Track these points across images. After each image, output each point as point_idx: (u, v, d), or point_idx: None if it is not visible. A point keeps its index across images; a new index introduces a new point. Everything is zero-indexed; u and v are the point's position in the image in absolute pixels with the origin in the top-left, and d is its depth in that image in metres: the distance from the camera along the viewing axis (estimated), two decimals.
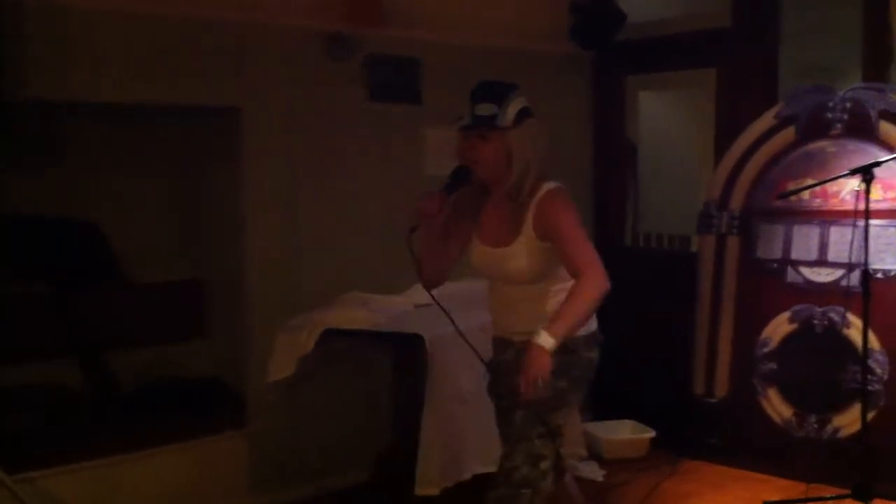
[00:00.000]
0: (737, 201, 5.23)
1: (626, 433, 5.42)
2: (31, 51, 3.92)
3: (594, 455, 5.18)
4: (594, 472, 5.02)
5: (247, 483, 4.59)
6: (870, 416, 4.34)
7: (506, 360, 3.32)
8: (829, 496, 4.35)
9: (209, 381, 4.81)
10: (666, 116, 6.30)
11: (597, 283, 3.08)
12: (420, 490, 4.04)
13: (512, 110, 3.11)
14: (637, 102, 6.07)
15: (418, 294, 4.72)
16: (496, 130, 3.11)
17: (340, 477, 4.75)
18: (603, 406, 5.72)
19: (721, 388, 5.19)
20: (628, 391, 5.61)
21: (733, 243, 5.22)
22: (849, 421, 4.68)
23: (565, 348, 3.11)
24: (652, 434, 5.32)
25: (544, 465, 3.18)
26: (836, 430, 4.76)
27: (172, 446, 4.37)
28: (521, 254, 3.16)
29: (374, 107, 4.95)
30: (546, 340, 2.94)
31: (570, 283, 3.16)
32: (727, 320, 5.20)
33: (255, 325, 4.60)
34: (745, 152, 5.21)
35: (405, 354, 4.36)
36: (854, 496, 4.18)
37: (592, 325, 3.32)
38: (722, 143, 5.42)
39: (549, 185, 3.20)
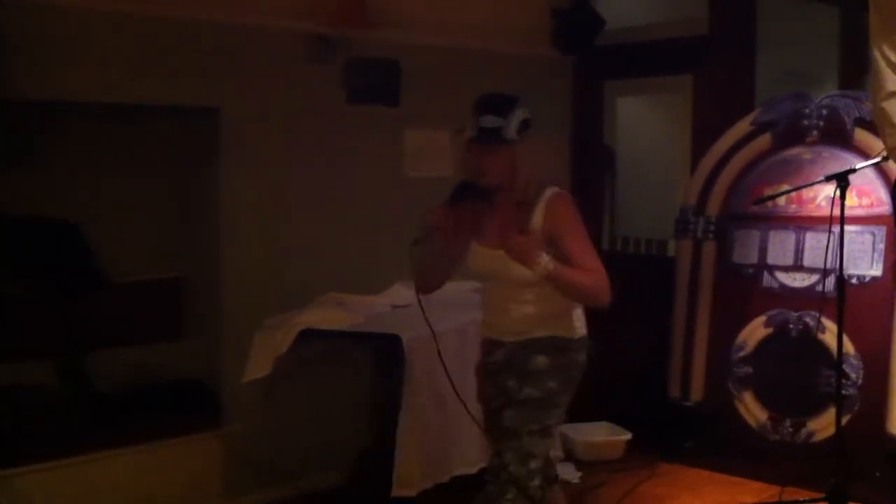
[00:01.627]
0: (713, 206, 5.27)
1: (603, 435, 5.43)
2: (15, 50, 3.90)
3: (570, 457, 5.19)
4: (570, 473, 5.02)
5: (223, 484, 4.57)
6: (844, 419, 4.37)
7: (495, 360, 3.35)
8: (803, 499, 4.38)
9: (187, 382, 4.78)
10: (644, 121, 6.33)
11: (601, 284, 3.16)
12: (398, 491, 4.03)
13: (515, 122, 3.17)
14: (616, 107, 6.10)
15: (396, 295, 4.74)
16: (501, 143, 3.16)
17: (317, 478, 4.74)
18: (579, 408, 5.71)
19: (697, 392, 5.22)
20: (605, 393, 5.62)
21: (710, 248, 5.26)
22: (823, 425, 4.72)
23: (558, 349, 3.22)
24: (628, 436, 5.34)
25: (534, 463, 3.21)
26: (811, 433, 4.80)
27: (148, 446, 4.35)
28: None
29: (353, 108, 4.96)
30: (546, 261, 3.03)
31: None
32: (703, 324, 5.23)
33: (234, 325, 4.58)
34: (721, 158, 5.26)
35: (383, 355, 4.35)
36: (829, 499, 4.20)
37: (581, 330, 3.37)
38: (699, 149, 5.47)
39: (554, 189, 3.28)
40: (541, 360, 3.24)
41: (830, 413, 4.48)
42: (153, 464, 4.36)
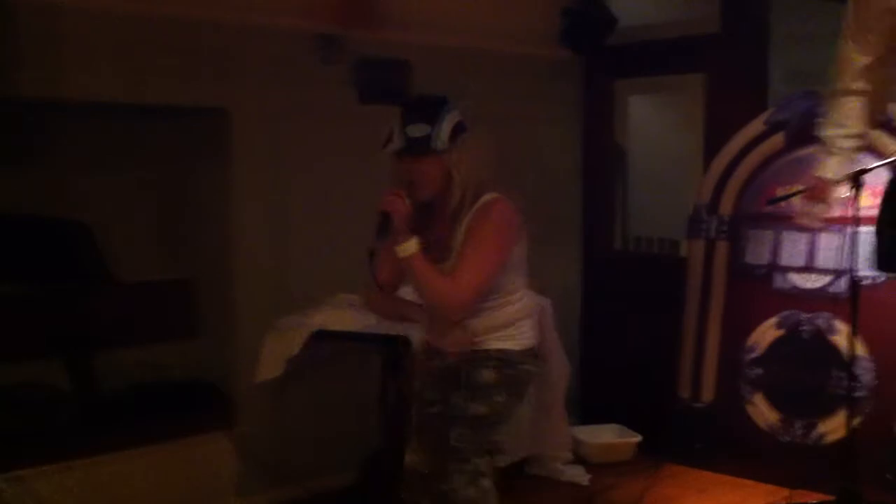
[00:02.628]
0: (726, 206, 5.25)
1: (613, 437, 5.42)
2: (19, 49, 3.90)
3: (580, 459, 5.19)
4: (580, 476, 5.03)
5: (234, 484, 4.59)
6: (855, 421, 4.35)
7: (437, 366, 3.24)
8: (814, 502, 4.36)
9: (197, 382, 4.78)
10: (655, 121, 6.31)
11: (452, 297, 2.99)
12: None
13: (446, 128, 2.96)
14: (627, 106, 6.07)
15: (407, 296, 4.72)
16: (431, 152, 2.96)
17: (328, 478, 4.74)
18: (589, 410, 5.74)
19: (707, 393, 5.21)
20: (615, 395, 5.63)
21: (722, 248, 5.24)
22: (834, 427, 4.70)
23: (504, 363, 3.10)
24: (638, 438, 5.33)
25: (486, 482, 3.13)
26: (822, 435, 4.78)
27: (159, 447, 4.36)
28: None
29: (364, 108, 4.95)
30: (410, 245, 2.93)
31: (510, 296, 3.11)
32: (714, 325, 5.21)
33: (244, 325, 4.59)
34: (734, 157, 5.23)
35: (393, 356, 4.35)
36: (839, 502, 4.19)
37: (530, 340, 3.22)
38: (711, 148, 5.44)
39: (487, 197, 3.05)
40: (487, 375, 3.10)
41: (841, 415, 4.46)
42: (164, 464, 4.37)
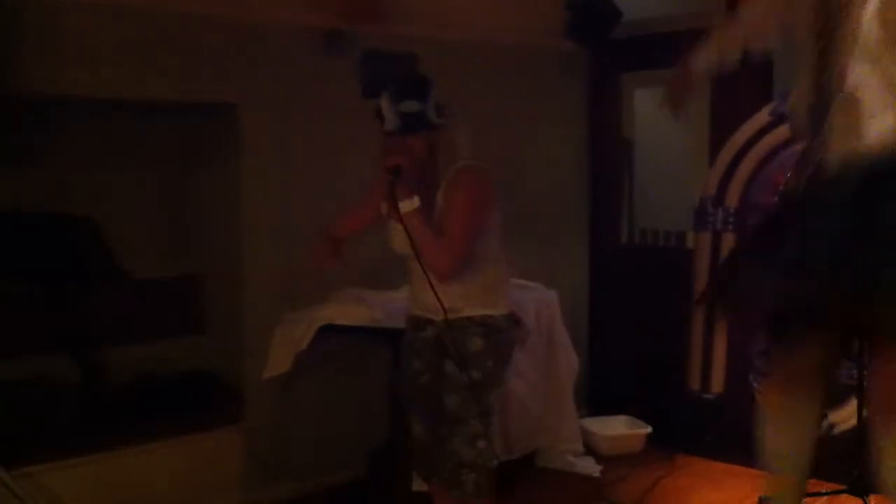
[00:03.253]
0: (732, 198, 5.24)
1: (623, 429, 5.42)
2: (24, 45, 3.90)
3: (590, 451, 5.19)
4: (591, 467, 5.03)
5: (241, 479, 4.58)
6: (866, 411, 4.34)
7: (425, 336, 3.41)
8: (825, 491, 4.36)
9: (205, 377, 4.79)
10: (661, 114, 6.28)
11: (443, 255, 3.15)
12: (418, 486, 4.03)
13: (433, 105, 3.17)
14: (633, 100, 6.07)
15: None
16: (423, 128, 3.18)
17: (336, 473, 4.75)
18: (599, 402, 5.74)
19: (717, 385, 5.20)
20: (624, 387, 5.62)
21: (728, 240, 5.22)
22: (845, 417, 4.68)
23: (490, 328, 3.26)
24: (648, 430, 5.33)
25: (481, 443, 3.27)
26: (833, 425, 4.77)
27: (167, 442, 4.36)
28: None
29: (370, 103, 4.93)
30: (413, 203, 3.09)
31: (487, 262, 3.27)
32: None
33: (251, 321, 4.59)
34: (740, 149, 5.22)
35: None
36: (851, 491, 4.18)
37: (510, 306, 3.39)
38: (717, 140, 5.43)
39: (462, 164, 3.27)
40: (475, 342, 3.27)
41: (852, 405, 4.46)
42: (172, 459, 4.37)
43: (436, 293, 3.16)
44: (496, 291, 3.34)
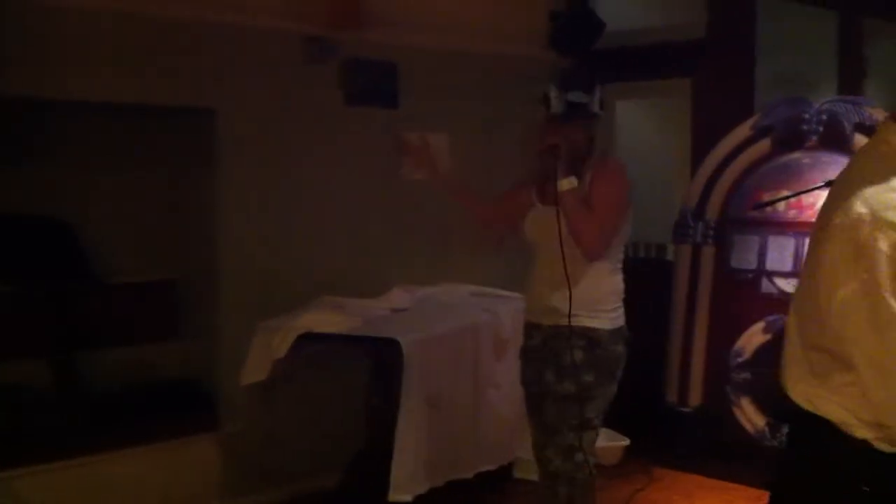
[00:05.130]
0: (713, 211, 5.26)
1: (601, 441, 5.39)
2: (11, 49, 3.88)
3: None
4: None
5: (219, 486, 4.55)
6: None
7: (534, 345, 3.43)
8: None
9: (182, 383, 4.76)
10: (643, 125, 6.31)
11: (593, 231, 3.22)
12: (394, 496, 4.00)
13: (598, 98, 3.32)
14: (614, 111, 6.08)
15: (395, 298, 4.72)
16: (586, 117, 3.31)
17: (313, 481, 4.71)
18: None
19: (695, 398, 5.21)
20: None
21: (708, 253, 5.25)
22: None
23: (592, 342, 3.26)
24: (626, 442, 5.32)
25: (578, 457, 3.30)
26: None
27: (144, 448, 4.34)
28: None
29: (350, 110, 4.93)
30: (571, 180, 3.17)
31: (606, 270, 3.35)
32: (701, 329, 5.22)
33: (231, 327, 4.57)
34: (721, 162, 5.24)
35: (381, 359, 4.34)
36: None
37: (619, 320, 3.40)
38: (698, 153, 5.45)
39: (603, 154, 3.42)
40: (575, 355, 3.27)
41: None
42: (150, 465, 4.34)
43: (568, 279, 3.17)
44: (608, 303, 3.36)
